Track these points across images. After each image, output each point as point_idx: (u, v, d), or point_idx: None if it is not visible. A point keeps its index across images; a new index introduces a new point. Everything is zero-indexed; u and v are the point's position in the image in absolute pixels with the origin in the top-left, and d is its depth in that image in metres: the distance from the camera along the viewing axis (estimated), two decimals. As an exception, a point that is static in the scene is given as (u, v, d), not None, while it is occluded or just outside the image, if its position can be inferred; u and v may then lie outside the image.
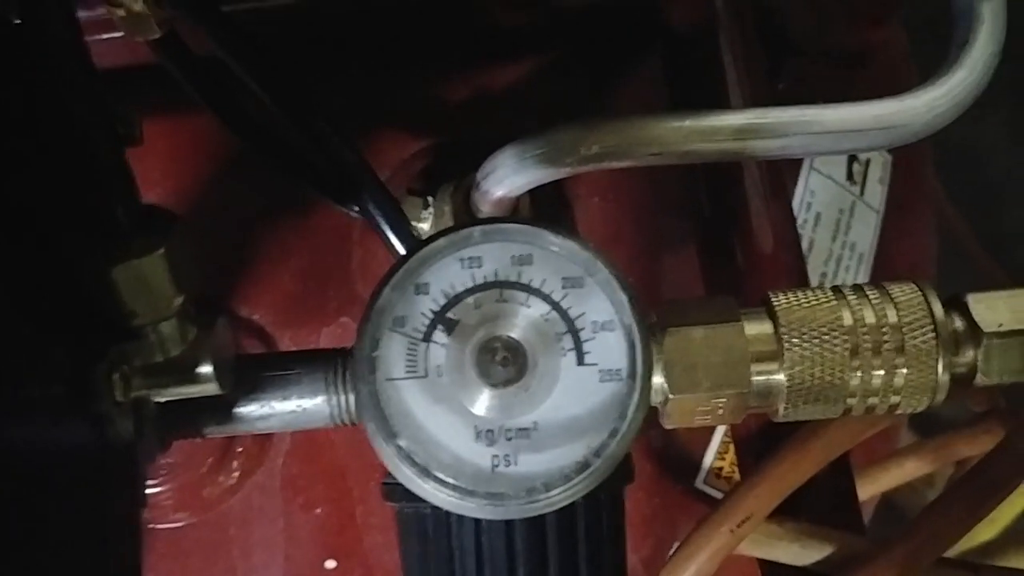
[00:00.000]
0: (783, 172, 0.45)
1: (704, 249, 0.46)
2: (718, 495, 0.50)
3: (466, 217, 0.43)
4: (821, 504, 0.38)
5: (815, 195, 0.54)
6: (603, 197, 0.49)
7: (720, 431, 0.51)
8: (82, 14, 0.27)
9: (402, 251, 0.36)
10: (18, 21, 0.23)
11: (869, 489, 0.50)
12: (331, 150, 0.37)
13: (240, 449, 0.47)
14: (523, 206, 0.43)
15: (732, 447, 0.50)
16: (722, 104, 0.46)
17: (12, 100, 0.23)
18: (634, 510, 0.47)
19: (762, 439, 0.40)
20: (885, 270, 0.56)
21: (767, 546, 0.37)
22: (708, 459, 0.50)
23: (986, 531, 0.89)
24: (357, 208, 0.43)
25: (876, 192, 0.56)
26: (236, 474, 0.47)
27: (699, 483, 0.50)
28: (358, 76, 0.49)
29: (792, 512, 0.38)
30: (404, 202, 0.45)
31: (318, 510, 0.47)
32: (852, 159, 0.56)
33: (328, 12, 0.48)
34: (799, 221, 0.53)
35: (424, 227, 0.45)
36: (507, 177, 0.37)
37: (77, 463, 0.26)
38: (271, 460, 0.47)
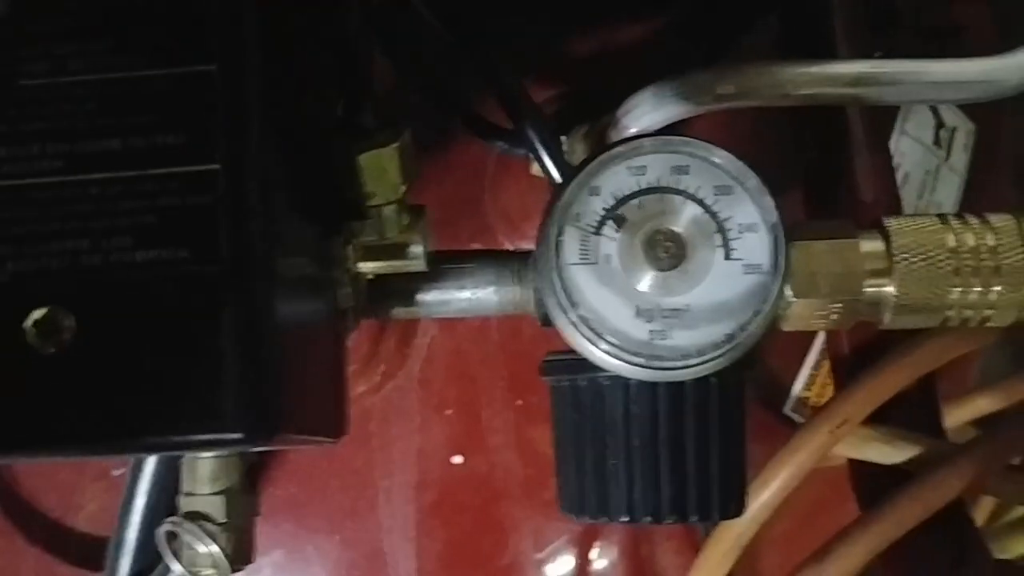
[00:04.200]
0: (886, 128, 0.50)
1: (808, 195, 0.51)
2: (803, 421, 0.56)
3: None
4: (909, 414, 0.43)
5: (905, 156, 0.58)
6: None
7: (809, 364, 0.56)
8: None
9: (555, 174, 0.41)
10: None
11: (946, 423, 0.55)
12: (497, 79, 0.43)
13: (383, 355, 0.53)
14: (649, 147, 0.48)
15: (819, 378, 0.55)
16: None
17: (304, 22, 0.29)
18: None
19: (856, 359, 0.45)
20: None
21: (860, 447, 0.43)
22: (796, 389, 0.56)
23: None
24: (501, 144, 0.49)
25: (960, 158, 0.61)
26: (378, 378, 0.53)
27: (787, 410, 0.56)
28: (490, 30, 0.54)
29: (883, 420, 0.43)
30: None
31: (449, 411, 0.53)
32: (939, 126, 0.61)
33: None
34: (889, 179, 0.58)
35: (558, 162, 0.50)
36: (646, 114, 0.43)
37: (317, 317, 0.32)
38: (410, 366, 0.53)
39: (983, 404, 0.55)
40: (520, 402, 0.53)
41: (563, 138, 0.51)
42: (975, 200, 0.62)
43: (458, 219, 0.54)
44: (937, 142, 0.60)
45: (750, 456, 0.56)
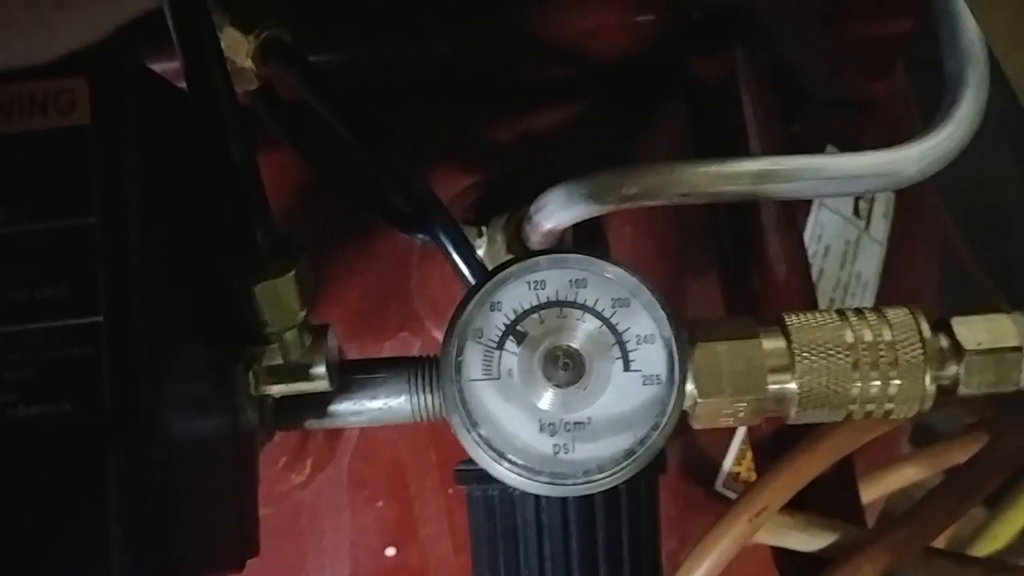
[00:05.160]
0: (795, 207, 0.51)
1: (724, 276, 0.52)
2: (735, 497, 0.56)
3: (518, 246, 0.49)
4: (827, 498, 0.44)
5: (825, 229, 0.60)
6: (635, 228, 0.55)
7: (738, 440, 0.56)
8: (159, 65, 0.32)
9: (467, 273, 0.42)
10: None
11: (872, 492, 0.56)
12: (404, 184, 0.43)
13: (311, 448, 0.53)
14: (567, 236, 0.49)
15: (749, 454, 0.56)
16: (740, 147, 0.52)
17: (188, 158, 0.29)
18: (661, 510, 0.53)
19: (776, 443, 0.46)
20: (889, 297, 0.62)
21: (780, 534, 0.43)
22: (727, 465, 0.56)
23: (988, 546, 0.94)
24: (422, 236, 0.49)
25: (880, 226, 0.62)
26: (307, 471, 0.53)
27: (718, 486, 0.56)
28: (417, 120, 0.55)
29: (802, 505, 0.44)
30: (461, 231, 0.51)
31: (380, 503, 0.53)
32: (858, 196, 0.62)
33: (389, 62, 0.54)
34: (810, 252, 0.59)
35: (479, 253, 0.51)
36: (556, 212, 0.43)
37: (219, 445, 0.32)
38: (339, 458, 0.53)
39: (909, 473, 0.56)
40: (451, 491, 0.53)
41: (484, 228, 0.52)
42: (897, 268, 0.63)
43: (385, 308, 0.55)
44: (857, 212, 0.62)
45: (685, 533, 0.57)
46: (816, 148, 0.60)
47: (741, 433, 0.56)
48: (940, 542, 0.76)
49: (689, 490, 0.56)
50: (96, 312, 0.26)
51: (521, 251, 0.49)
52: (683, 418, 0.36)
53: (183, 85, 0.31)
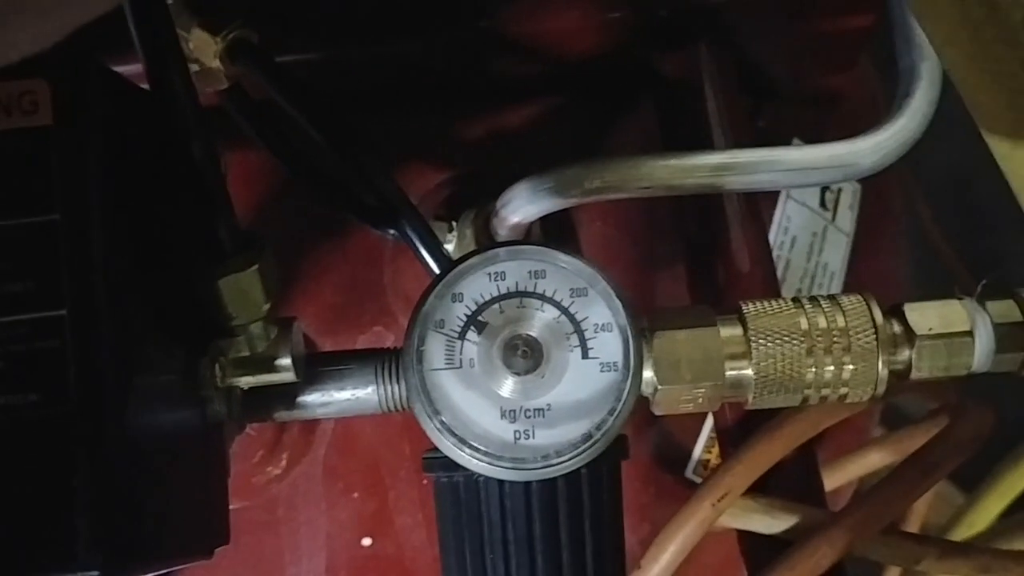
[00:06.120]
0: (759, 200, 0.52)
1: (691, 267, 0.53)
2: (705, 484, 0.57)
3: (486, 240, 0.50)
4: (789, 483, 0.45)
5: (791, 220, 0.61)
6: (603, 222, 0.56)
7: (707, 428, 0.57)
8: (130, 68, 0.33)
9: (435, 267, 0.43)
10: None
11: (839, 478, 0.57)
12: (373, 181, 0.44)
13: (287, 442, 0.54)
14: (534, 230, 0.50)
15: (718, 441, 0.57)
16: (706, 142, 0.53)
17: (150, 156, 0.30)
18: (632, 498, 0.54)
19: (740, 429, 0.47)
20: (855, 287, 0.63)
21: (743, 518, 0.44)
22: (697, 452, 0.57)
23: (964, 532, 0.95)
24: (392, 231, 0.50)
25: (846, 217, 0.63)
26: (283, 464, 0.54)
27: (688, 473, 0.57)
28: (388, 118, 0.56)
29: (765, 489, 0.45)
30: (431, 226, 0.52)
31: (355, 494, 0.54)
32: (825, 188, 0.63)
33: (361, 62, 0.55)
34: (777, 243, 0.60)
35: (449, 247, 0.52)
36: (522, 206, 0.44)
37: (186, 436, 0.33)
38: (314, 451, 0.54)
39: (876, 458, 0.57)
40: (425, 481, 0.54)
41: (454, 223, 0.53)
42: (864, 259, 0.64)
43: (359, 302, 0.55)
44: (823, 204, 0.63)
45: (656, 520, 0.58)
46: (782, 144, 0.61)
47: (710, 421, 0.57)
48: (914, 528, 0.77)
49: (660, 477, 0.57)
50: (60, 306, 0.27)
51: (489, 245, 0.50)
52: (645, 405, 0.37)
53: (146, 85, 0.32)
